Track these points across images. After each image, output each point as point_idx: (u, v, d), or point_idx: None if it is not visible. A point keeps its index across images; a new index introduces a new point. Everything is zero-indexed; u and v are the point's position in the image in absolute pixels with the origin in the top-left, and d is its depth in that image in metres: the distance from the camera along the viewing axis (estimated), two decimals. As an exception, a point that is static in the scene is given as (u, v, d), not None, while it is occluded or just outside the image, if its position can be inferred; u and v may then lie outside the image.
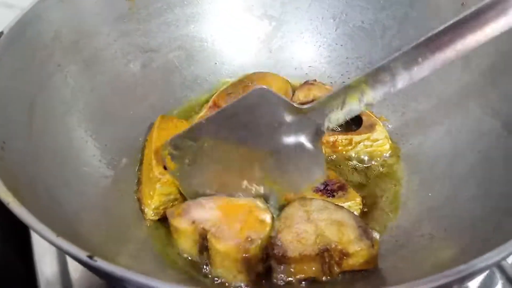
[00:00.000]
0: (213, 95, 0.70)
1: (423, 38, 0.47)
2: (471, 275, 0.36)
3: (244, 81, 0.71)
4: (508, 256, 0.36)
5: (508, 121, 0.55)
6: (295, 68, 0.75)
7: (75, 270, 0.60)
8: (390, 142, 0.65)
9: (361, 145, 0.64)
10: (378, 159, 0.64)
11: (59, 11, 0.61)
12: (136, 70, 0.69)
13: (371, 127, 0.63)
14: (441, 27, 0.47)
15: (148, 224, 0.58)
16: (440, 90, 0.65)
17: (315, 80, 0.71)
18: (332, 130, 0.63)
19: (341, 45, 0.74)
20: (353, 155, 0.64)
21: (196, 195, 0.57)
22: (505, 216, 0.42)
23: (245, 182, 0.56)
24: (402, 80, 0.49)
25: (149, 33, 0.70)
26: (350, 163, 0.64)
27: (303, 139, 0.54)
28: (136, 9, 0.69)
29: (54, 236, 0.38)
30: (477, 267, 0.35)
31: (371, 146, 0.64)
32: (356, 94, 0.51)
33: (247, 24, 0.75)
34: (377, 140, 0.63)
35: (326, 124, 0.53)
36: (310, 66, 0.75)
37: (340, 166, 0.64)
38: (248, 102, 0.55)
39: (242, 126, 0.56)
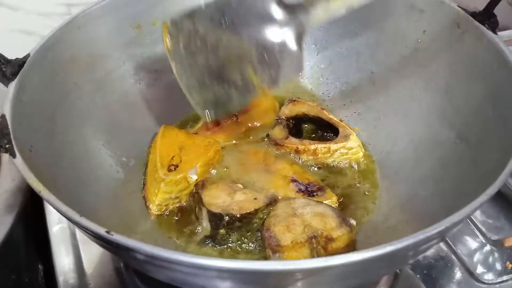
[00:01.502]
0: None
1: None
2: (418, 245, 0.43)
3: (237, 98, 0.77)
4: (446, 230, 0.44)
5: (461, 132, 0.61)
6: (282, 87, 0.74)
7: (88, 263, 0.65)
8: (363, 150, 0.70)
9: (338, 153, 0.69)
10: (353, 165, 0.70)
11: (76, 37, 0.66)
12: (142, 88, 0.74)
13: (346, 137, 0.69)
14: None
15: (152, 218, 0.63)
16: (406, 107, 0.71)
17: (298, 98, 0.76)
18: (312, 139, 0.72)
19: (322, 67, 0.80)
20: (331, 161, 0.70)
21: (187, 82, 0.61)
22: (455, 208, 0.48)
23: (230, 71, 0.59)
24: None
25: (154, 56, 0.74)
26: (329, 168, 0.70)
27: (287, 38, 0.56)
28: (142, 36, 0.73)
29: (78, 216, 0.43)
30: (422, 236, 0.42)
31: (347, 153, 0.70)
32: None
33: None
34: (352, 148, 0.69)
35: (308, 21, 0.55)
36: (294, 85, 0.81)
37: (320, 171, 0.70)
38: None
39: (234, 15, 0.57)
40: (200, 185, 0.64)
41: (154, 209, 0.63)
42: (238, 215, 0.60)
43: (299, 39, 0.56)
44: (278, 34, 0.56)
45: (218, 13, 0.59)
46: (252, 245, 0.60)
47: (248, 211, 0.60)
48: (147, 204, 0.64)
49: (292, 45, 0.57)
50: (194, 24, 0.59)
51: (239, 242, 0.61)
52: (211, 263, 0.39)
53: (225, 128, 0.73)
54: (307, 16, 0.55)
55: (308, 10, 0.55)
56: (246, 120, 0.74)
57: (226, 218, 0.60)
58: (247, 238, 0.61)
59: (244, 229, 0.61)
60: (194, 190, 0.64)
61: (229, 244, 0.60)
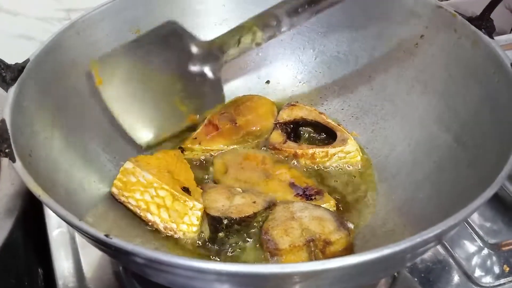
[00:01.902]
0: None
1: None
2: (416, 248, 0.44)
3: (235, 102, 0.77)
4: (443, 232, 0.44)
5: (458, 135, 0.62)
6: (280, 92, 0.81)
7: (88, 267, 0.65)
8: (361, 154, 0.71)
9: (335, 157, 0.70)
10: (352, 169, 0.70)
11: (76, 42, 0.66)
12: None
13: (344, 141, 0.70)
14: None
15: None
16: (403, 111, 0.71)
17: (297, 102, 0.77)
18: (311, 143, 0.72)
19: (320, 72, 0.80)
20: (329, 165, 0.71)
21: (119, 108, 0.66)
22: (451, 211, 0.48)
23: (158, 101, 0.65)
24: (285, 26, 0.57)
25: None
26: (327, 172, 0.70)
27: (206, 69, 0.63)
28: (141, 41, 0.73)
29: (77, 220, 0.44)
30: (419, 239, 0.42)
31: (345, 157, 0.70)
32: (249, 34, 0.59)
33: None
34: (350, 152, 0.70)
35: (224, 58, 0.61)
36: (293, 90, 0.81)
37: (318, 174, 0.70)
38: (160, 33, 0.64)
39: (156, 53, 0.64)
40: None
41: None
42: (237, 219, 0.60)
43: (216, 70, 0.63)
44: (198, 67, 0.63)
45: (143, 51, 0.65)
46: (251, 248, 0.61)
47: (247, 215, 0.61)
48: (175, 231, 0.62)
49: (210, 75, 0.63)
50: (122, 61, 0.66)
51: (238, 245, 0.61)
52: (210, 266, 0.40)
53: (224, 132, 0.74)
54: (223, 53, 0.62)
55: (223, 49, 0.62)
56: (245, 124, 0.75)
57: (225, 221, 0.60)
58: (246, 242, 0.61)
59: (243, 232, 0.61)
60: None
61: (228, 247, 0.60)
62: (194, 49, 0.63)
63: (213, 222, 0.61)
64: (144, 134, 0.68)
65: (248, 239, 0.61)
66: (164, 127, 0.68)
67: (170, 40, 0.64)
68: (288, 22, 0.57)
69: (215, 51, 0.62)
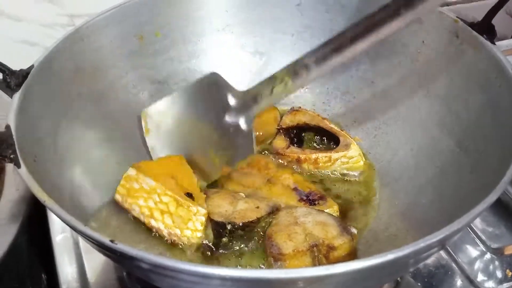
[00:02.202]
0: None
1: (329, 39, 0.56)
2: (419, 253, 0.44)
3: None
4: (447, 237, 0.44)
5: (460, 140, 0.62)
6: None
7: (91, 272, 0.65)
8: (364, 159, 0.71)
9: (338, 162, 0.70)
10: (355, 174, 0.71)
11: (80, 48, 0.66)
12: (145, 99, 0.74)
13: (347, 146, 0.70)
14: (343, 30, 0.55)
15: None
16: (406, 116, 0.71)
17: (299, 107, 0.77)
18: (313, 149, 0.73)
19: (322, 78, 0.79)
20: (332, 170, 0.71)
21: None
22: (454, 216, 0.48)
23: (197, 152, 0.67)
24: (314, 74, 0.57)
25: (156, 67, 0.75)
26: (330, 177, 0.71)
27: (240, 120, 0.64)
28: (145, 47, 0.74)
29: (82, 226, 0.44)
30: (423, 244, 0.42)
31: (348, 162, 0.70)
32: (281, 85, 0.60)
33: (241, 59, 0.81)
34: (352, 157, 0.70)
35: (256, 108, 0.63)
36: (295, 95, 0.80)
37: (321, 179, 0.71)
38: (203, 83, 0.67)
39: (199, 103, 0.67)
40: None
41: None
42: (240, 224, 0.60)
43: (249, 121, 0.64)
44: (233, 118, 0.65)
45: (187, 102, 0.68)
46: (254, 253, 0.61)
47: (250, 220, 0.61)
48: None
49: (244, 126, 0.64)
50: (168, 112, 0.69)
51: (241, 250, 0.61)
52: (214, 271, 0.40)
53: None
54: (256, 103, 0.63)
55: (257, 99, 0.63)
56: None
57: (229, 226, 0.61)
58: (249, 247, 0.61)
59: (246, 237, 0.61)
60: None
61: (231, 253, 0.61)
62: (231, 100, 0.64)
63: (217, 227, 0.61)
64: None
65: (252, 244, 0.61)
66: (200, 178, 0.68)
67: (211, 90, 0.66)
68: (317, 70, 0.58)
69: (249, 101, 0.64)
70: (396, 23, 0.51)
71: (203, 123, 0.67)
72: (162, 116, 0.69)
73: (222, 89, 0.65)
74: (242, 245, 0.61)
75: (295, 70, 0.59)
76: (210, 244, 0.61)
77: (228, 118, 0.65)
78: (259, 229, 0.62)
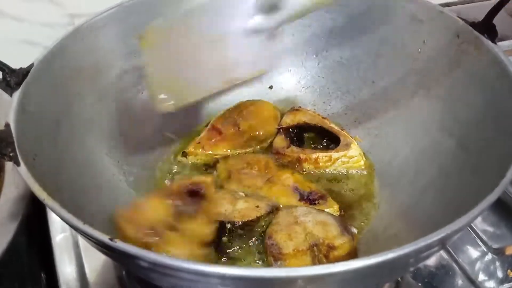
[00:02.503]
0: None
1: None
2: (420, 252, 0.44)
3: (239, 107, 0.77)
4: (447, 237, 0.44)
5: (461, 140, 0.62)
6: (283, 97, 0.81)
7: (91, 272, 0.65)
8: (364, 159, 0.71)
9: (339, 161, 0.70)
10: (355, 173, 0.71)
11: (80, 47, 0.66)
12: (144, 98, 0.73)
13: (347, 146, 0.70)
14: None
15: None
16: (406, 116, 0.71)
17: (300, 107, 0.77)
18: (314, 148, 0.72)
19: (323, 77, 0.80)
20: (333, 170, 0.71)
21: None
22: (455, 216, 0.48)
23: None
24: None
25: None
26: (330, 177, 0.71)
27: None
28: (145, 46, 0.73)
29: (81, 224, 0.44)
30: (423, 243, 0.42)
31: (348, 162, 0.70)
32: None
33: None
34: (353, 156, 0.70)
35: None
36: (296, 95, 0.81)
37: (321, 179, 0.70)
38: None
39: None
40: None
41: None
42: (240, 223, 0.60)
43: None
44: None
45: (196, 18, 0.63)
46: (254, 253, 0.61)
47: (250, 219, 0.61)
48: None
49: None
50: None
51: (241, 250, 0.61)
52: (214, 270, 0.40)
53: (227, 137, 0.74)
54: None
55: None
56: (248, 129, 0.75)
57: (228, 225, 0.61)
58: (249, 246, 0.61)
59: (246, 236, 0.61)
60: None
61: (231, 252, 0.61)
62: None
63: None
64: (166, 98, 0.67)
65: (251, 243, 0.61)
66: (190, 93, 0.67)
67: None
68: None
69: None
70: None
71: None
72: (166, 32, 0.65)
73: None
74: (242, 244, 0.61)
75: None
76: (210, 243, 0.60)
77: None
78: (258, 229, 0.62)
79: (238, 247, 0.61)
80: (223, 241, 0.61)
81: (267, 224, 0.62)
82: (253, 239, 0.61)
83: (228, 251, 0.61)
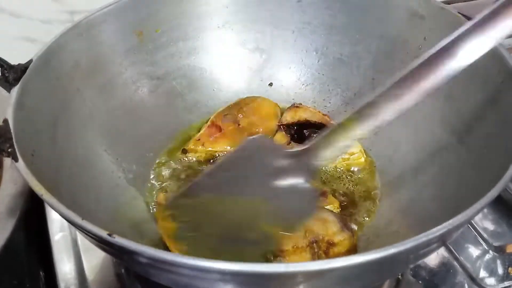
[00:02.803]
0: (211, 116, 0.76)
1: (403, 75, 0.49)
2: (420, 248, 0.44)
3: (239, 104, 0.77)
4: (448, 232, 0.43)
5: (462, 136, 0.61)
6: (283, 94, 0.81)
7: (90, 269, 0.64)
8: (365, 156, 0.71)
9: (339, 158, 0.70)
10: (356, 170, 0.71)
11: (79, 43, 0.66)
12: (144, 95, 0.74)
13: (348, 143, 0.71)
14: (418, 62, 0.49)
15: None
16: (407, 112, 0.71)
17: (300, 104, 0.77)
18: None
19: (323, 74, 0.80)
20: (333, 167, 0.70)
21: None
22: (456, 213, 0.46)
23: (243, 232, 0.54)
24: (387, 113, 0.49)
25: (156, 63, 0.75)
26: (331, 174, 0.70)
27: (297, 181, 0.53)
28: (144, 43, 0.74)
29: (80, 219, 0.43)
30: (424, 239, 0.42)
31: (348, 159, 0.70)
32: (347, 132, 0.50)
33: (241, 56, 0.81)
34: (354, 153, 0.70)
35: (319, 162, 0.52)
36: (296, 92, 0.81)
37: (321, 176, 0.70)
38: (243, 153, 0.55)
39: (239, 177, 0.55)
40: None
41: None
42: None
43: (310, 178, 0.53)
44: (289, 179, 0.53)
45: (217, 177, 0.55)
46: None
47: None
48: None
49: (303, 184, 0.53)
50: (195, 198, 0.56)
51: None
52: (214, 265, 0.39)
53: (227, 134, 0.74)
54: (315, 158, 0.52)
55: (315, 153, 0.52)
56: (248, 126, 0.75)
57: None
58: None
59: None
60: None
61: None
62: (282, 162, 0.53)
63: None
64: None
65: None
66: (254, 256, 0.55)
67: (254, 158, 0.55)
68: (391, 109, 0.49)
69: (307, 158, 0.52)
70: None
71: (248, 199, 0.54)
72: (190, 204, 0.56)
73: (268, 153, 0.53)
74: None
75: (363, 113, 0.50)
76: None
77: (282, 182, 0.53)
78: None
79: None
80: None
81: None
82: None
83: None
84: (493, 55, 0.59)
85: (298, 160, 0.53)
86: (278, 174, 0.53)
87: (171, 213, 0.56)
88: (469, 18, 0.62)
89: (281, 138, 0.73)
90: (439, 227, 0.42)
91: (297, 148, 0.53)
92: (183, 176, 0.72)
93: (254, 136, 0.57)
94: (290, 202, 0.54)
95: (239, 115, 0.75)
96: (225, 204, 0.55)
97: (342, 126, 0.51)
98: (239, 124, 0.74)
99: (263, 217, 0.54)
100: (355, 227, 0.60)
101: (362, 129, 0.50)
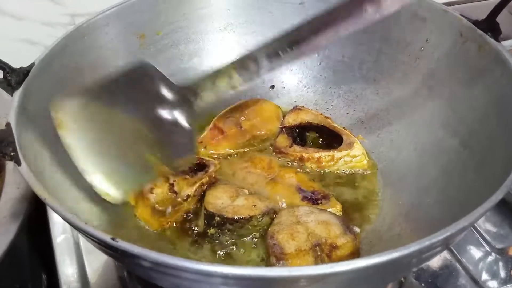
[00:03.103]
0: (213, 119, 0.75)
1: (283, 33, 0.52)
2: (423, 251, 0.43)
3: (240, 106, 0.76)
4: (451, 236, 0.43)
5: (465, 139, 0.62)
6: (285, 96, 0.81)
7: (92, 272, 0.65)
8: (367, 158, 0.71)
9: (342, 161, 0.70)
10: (358, 173, 0.70)
11: (80, 46, 0.66)
12: None
13: (350, 145, 0.69)
14: (299, 25, 0.51)
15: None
16: (409, 115, 0.71)
17: (302, 106, 0.77)
18: (316, 147, 0.72)
19: (325, 77, 0.80)
20: (335, 169, 0.70)
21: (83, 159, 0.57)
22: (458, 216, 0.46)
23: (125, 151, 0.58)
24: (264, 69, 0.54)
25: (158, 66, 0.68)
26: (333, 176, 0.70)
27: (178, 116, 0.58)
28: (146, 46, 0.74)
29: (83, 223, 0.44)
30: (427, 243, 0.42)
31: (351, 161, 0.70)
32: (225, 77, 0.56)
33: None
34: (356, 156, 0.69)
35: (198, 102, 0.58)
36: (298, 94, 0.81)
37: (324, 178, 0.70)
38: (130, 73, 0.59)
39: (124, 96, 0.59)
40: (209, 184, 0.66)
41: None
42: (229, 218, 0.60)
43: (189, 117, 0.58)
44: (169, 112, 0.58)
45: (108, 94, 0.59)
46: (242, 251, 0.61)
47: (241, 216, 0.61)
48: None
49: (183, 122, 0.58)
50: (84, 104, 0.58)
51: (228, 244, 0.62)
52: (216, 269, 0.39)
53: (229, 136, 0.74)
54: (196, 97, 0.58)
55: (197, 92, 0.57)
56: (250, 128, 0.75)
57: (217, 218, 0.61)
58: (237, 243, 0.62)
59: (235, 233, 0.61)
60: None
61: (218, 245, 0.61)
62: (166, 92, 0.58)
63: (207, 217, 0.62)
64: (111, 188, 0.59)
65: (241, 241, 0.62)
66: (131, 180, 0.60)
67: (140, 82, 0.59)
68: (268, 65, 0.54)
69: (188, 95, 0.58)
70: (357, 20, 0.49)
71: (132, 118, 0.59)
72: (81, 109, 0.58)
73: (154, 81, 0.59)
74: (229, 240, 0.62)
75: (243, 64, 0.56)
76: (198, 231, 0.62)
77: (164, 113, 0.58)
78: (250, 227, 0.61)
79: (225, 242, 0.62)
80: (210, 232, 0.62)
81: (261, 225, 0.62)
82: (243, 236, 0.62)
83: (214, 243, 0.61)
84: (496, 58, 0.59)
85: (182, 95, 0.58)
86: (162, 103, 0.58)
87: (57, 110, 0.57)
88: (470, 20, 0.63)
89: (283, 140, 0.73)
90: (442, 231, 0.43)
91: (182, 84, 0.58)
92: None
93: (142, 61, 0.60)
94: (170, 137, 0.59)
95: (241, 117, 0.75)
96: (115, 119, 0.58)
97: (221, 72, 0.56)
98: (241, 127, 0.74)
99: (145, 144, 0.59)
100: (357, 230, 0.60)
101: (237, 79, 0.56)
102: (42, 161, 0.54)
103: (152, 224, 0.63)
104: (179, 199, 0.64)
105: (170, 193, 0.64)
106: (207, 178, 0.66)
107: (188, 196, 0.64)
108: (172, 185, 0.64)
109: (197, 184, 0.65)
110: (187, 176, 0.66)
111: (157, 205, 0.63)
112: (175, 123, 0.58)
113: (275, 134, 0.75)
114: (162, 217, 0.63)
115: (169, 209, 0.63)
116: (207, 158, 0.69)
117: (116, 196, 0.59)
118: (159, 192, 0.63)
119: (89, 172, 0.57)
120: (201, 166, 0.68)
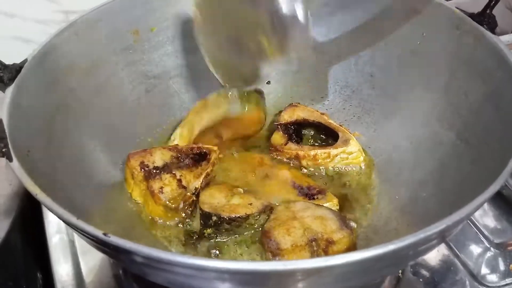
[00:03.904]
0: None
1: None
2: (419, 244, 0.43)
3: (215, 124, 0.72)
4: (447, 228, 0.43)
5: (461, 132, 0.61)
6: (281, 92, 0.80)
7: (87, 271, 0.64)
8: (363, 154, 0.70)
9: (338, 158, 0.69)
10: (354, 169, 0.70)
11: (74, 43, 0.65)
12: (140, 94, 0.74)
13: (346, 142, 0.69)
14: None
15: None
16: (405, 109, 0.71)
17: (298, 103, 0.76)
18: (311, 145, 0.72)
19: (321, 72, 0.79)
20: (332, 166, 0.70)
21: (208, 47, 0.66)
22: (455, 209, 0.45)
23: (246, 38, 0.64)
24: None
25: (152, 63, 0.74)
26: (329, 173, 0.70)
27: (298, 12, 0.60)
28: (140, 42, 0.73)
29: (75, 219, 0.43)
30: (423, 235, 0.41)
31: (347, 158, 0.69)
32: None
33: None
34: (352, 153, 0.69)
35: None
36: (294, 90, 0.80)
37: (320, 176, 0.70)
38: None
39: None
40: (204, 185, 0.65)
41: None
42: (226, 217, 0.60)
43: (306, 13, 0.60)
44: (290, 7, 0.60)
45: None
46: (239, 250, 0.61)
47: (238, 215, 0.60)
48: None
49: (302, 18, 0.60)
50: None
51: (225, 244, 0.61)
52: (210, 264, 0.39)
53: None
54: None
55: None
56: (232, 135, 0.74)
57: (214, 218, 0.60)
58: (234, 242, 0.61)
59: (232, 232, 0.61)
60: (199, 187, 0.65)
61: (214, 244, 0.61)
62: None
63: (204, 217, 0.61)
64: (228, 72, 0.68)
65: (238, 240, 0.61)
66: (246, 66, 0.68)
67: None
68: None
69: None
70: None
71: (254, 10, 0.62)
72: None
73: None
74: (226, 239, 0.61)
75: None
76: (195, 231, 0.62)
77: (285, 7, 0.60)
78: (247, 226, 0.61)
79: (221, 241, 0.61)
80: (207, 232, 0.61)
81: (258, 223, 0.61)
82: (240, 235, 0.61)
83: (210, 243, 0.61)
84: (492, 51, 0.59)
85: None
86: None
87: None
88: (466, 13, 0.62)
89: (278, 138, 0.72)
90: (438, 223, 0.42)
91: None
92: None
93: None
94: (288, 28, 0.61)
95: (219, 129, 0.74)
96: (236, 9, 0.64)
97: None
98: (222, 137, 0.73)
99: (262, 32, 0.62)
100: (354, 225, 0.60)
101: None
102: (35, 158, 0.54)
103: (167, 218, 0.63)
104: (188, 194, 0.63)
105: (180, 189, 0.63)
106: (211, 168, 0.67)
107: (196, 189, 0.64)
108: (180, 180, 0.64)
109: (203, 175, 0.65)
110: (193, 168, 0.66)
111: (168, 203, 0.62)
112: (293, 18, 0.60)
113: (260, 134, 0.75)
114: (176, 213, 0.63)
115: (181, 205, 0.63)
116: (206, 146, 0.68)
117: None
118: (169, 190, 0.63)
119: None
120: (202, 155, 0.68)
